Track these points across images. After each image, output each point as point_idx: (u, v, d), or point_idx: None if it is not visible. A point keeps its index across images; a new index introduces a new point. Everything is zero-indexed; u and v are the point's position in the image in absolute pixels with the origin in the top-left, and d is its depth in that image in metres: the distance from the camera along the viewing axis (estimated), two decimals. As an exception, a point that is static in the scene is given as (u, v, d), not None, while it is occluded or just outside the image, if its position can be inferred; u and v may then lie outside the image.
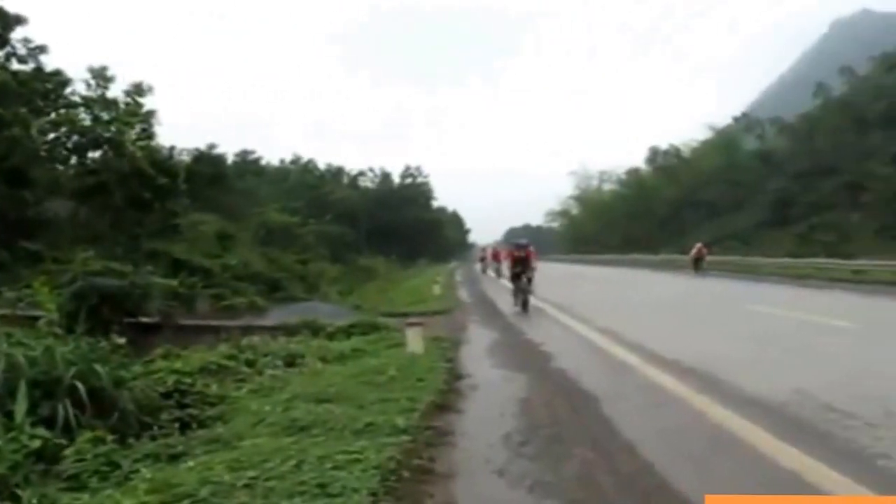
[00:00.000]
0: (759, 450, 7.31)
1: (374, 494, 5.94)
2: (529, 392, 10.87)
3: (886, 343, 14.89)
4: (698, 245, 48.50)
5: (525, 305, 23.41)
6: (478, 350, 15.77)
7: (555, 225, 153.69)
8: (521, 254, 24.25)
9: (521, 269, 23.96)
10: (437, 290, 35.87)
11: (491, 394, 10.83)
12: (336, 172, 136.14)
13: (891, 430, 7.81)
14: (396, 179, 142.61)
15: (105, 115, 44.48)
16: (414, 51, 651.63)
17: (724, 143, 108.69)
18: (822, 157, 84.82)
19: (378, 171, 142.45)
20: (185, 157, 58.36)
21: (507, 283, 27.35)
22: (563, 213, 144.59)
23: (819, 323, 18.25)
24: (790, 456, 7.02)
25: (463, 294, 36.64)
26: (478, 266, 62.93)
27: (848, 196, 74.01)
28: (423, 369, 11.79)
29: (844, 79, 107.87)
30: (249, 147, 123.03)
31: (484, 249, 66.70)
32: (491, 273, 52.55)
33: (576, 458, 7.33)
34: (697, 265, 46.55)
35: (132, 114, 45.26)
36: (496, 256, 51.72)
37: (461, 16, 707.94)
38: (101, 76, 44.73)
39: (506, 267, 34.20)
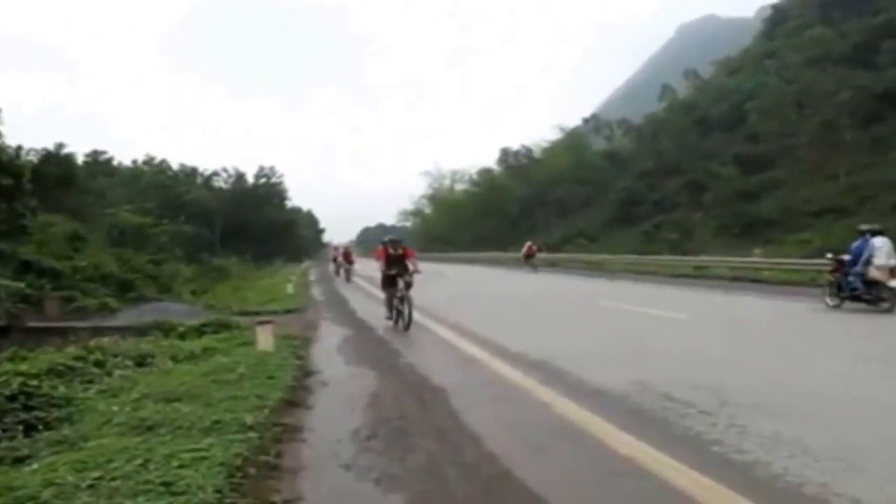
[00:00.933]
0: (599, 439, 7.55)
1: (219, 492, 5.89)
2: (379, 387, 10.97)
3: (720, 335, 15.57)
4: (528, 243, 52.85)
5: (401, 318, 18.58)
6: (329, 347, 15.83)
7: (408, 224, 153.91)
8: (396, 252, 19.75)
9: (396, 272, 19.00)
10: (290, 289, 35.68)
11: (340, 390, 10.91)
12: (190, 173, 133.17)
13: (724, 417, 8.16)
14: (251, 179, 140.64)
15: (-57, 113, 42.62)
16: (266, 53, 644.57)
17: (573, 143, 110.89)
18: (667, 157, 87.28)
19: (232, 171, 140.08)
20: (32, 158, 56.35)
21: (363, 284, 26.70)
22: (417, 213, 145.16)
23: (660, 316, 18.94)
24: (629, 444, 7.27)
25: (316, 293, 36.70)
26: (331, 267, 58.98)
27: (691, 195, 76.17)
28: (273, 367, 11.76)
29: (689, 82, 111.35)
30: (101, 147, 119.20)
31: (336, 249, 61.27)
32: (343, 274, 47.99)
33: (422, 451, 7.46)
34: (528, 261, 50.31)
35: (-28, 111, 43.47)
36: (347, 257, 46.88)
37: (311, 16, 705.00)
38: (-66, 73, 42.94)
39: (370, 269, 31.31)
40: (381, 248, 20.43)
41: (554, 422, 8.48)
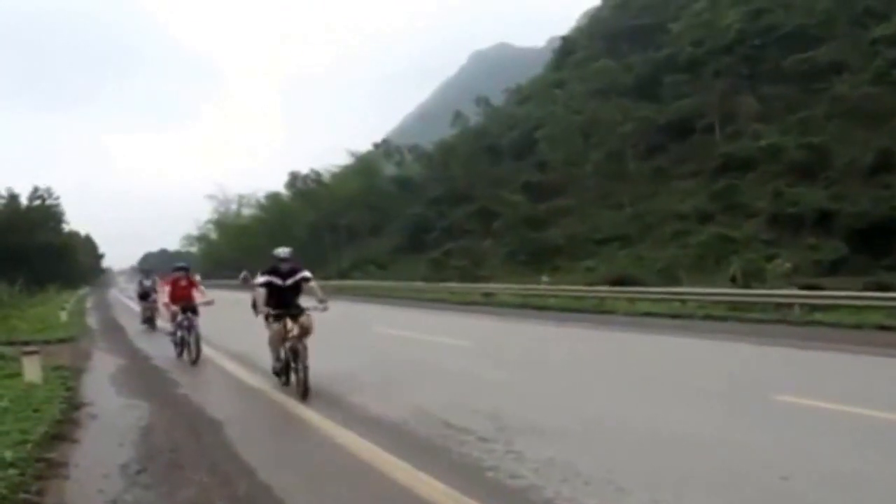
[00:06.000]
0: (377, 468, 7.48)
1: (-29, 534, 5.49)
2: (152, 419, 10.61)
3: (501, 361, 15.76)
4: (245, 272, 58.47)
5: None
6: (101, 378, 15.22)
7: (193, 249, 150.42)
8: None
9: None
10: (64, 317, 34.02)
11: (111, 422, 10.46)
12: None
13: (500, 443, 8.23)
14: (24, 201, 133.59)
15: None
16: (38, 71, 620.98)
17: (363, 168, 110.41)
18: (458, 184, 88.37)
19: (5, 193, 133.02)
20: None
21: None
22: (202, 238, 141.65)
23: (444, 343, 19.07)
24: (407, 473, 7.23)
25: (91, 321, 35.56)
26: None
27: (481, 222, 77.24)
28: (40, 399, 11.17)
29: (480, 109, 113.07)
30: None
31: (149, 276, 30.74)
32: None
33: (193, 484, 7.21)
34: (246, 283, 55.33)
35: None
36: (182, 293, 18.70)
37: (89, 30, 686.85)
38: None
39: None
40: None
41: (331, 452, 8.39)
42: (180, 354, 17.57)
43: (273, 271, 12.71)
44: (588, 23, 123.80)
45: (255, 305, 12.90)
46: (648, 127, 72.00)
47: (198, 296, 18.39)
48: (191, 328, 17.09)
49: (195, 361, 16.36)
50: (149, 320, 27.91)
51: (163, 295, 19.79)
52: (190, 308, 17.63)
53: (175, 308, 17.95)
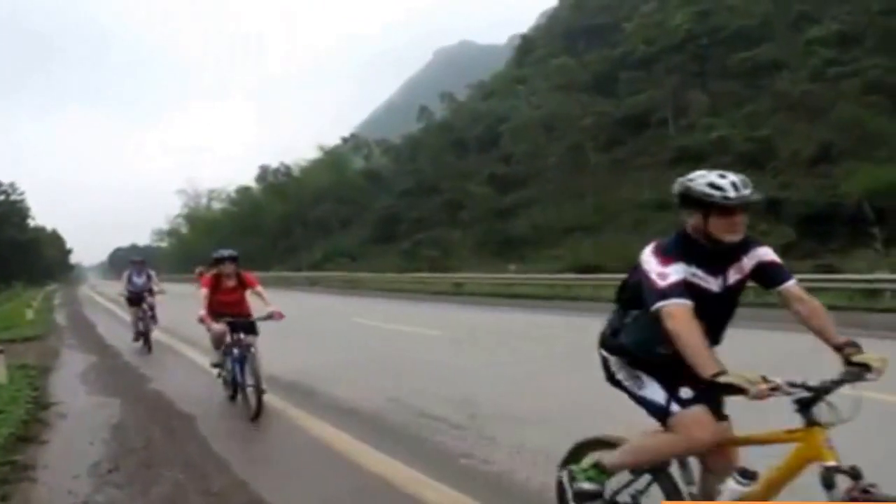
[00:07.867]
0: (352, 459, 7.47)
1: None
2: (123, 417, 10.41)
3: (470, 349, 15.86)
4: (200, 267, 57.54)
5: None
6: (70, 376, 14.93)
7: (163, 244, 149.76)
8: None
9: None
10: (30, 314, 33.54)
11: (81, 422, 10.27)
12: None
13: (473, 430, 8.33)
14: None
15: None
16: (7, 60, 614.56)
17: (333, 162, 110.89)
18: (425, 177, 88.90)
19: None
20: None
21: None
22: (172, 232, 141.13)
23: (415, 333, 19.22)
24: (381, 462, 7.25)
25: (59, 318, 35.14)
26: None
27: (449, 213, 77.53)
28: (5, 400, 10.94)
29: (445, 104, 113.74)
30: None
31: (142, 269, 20.14)
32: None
33: (167, 481, 7.09)
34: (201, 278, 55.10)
35: None
36: (225, 299, 11.07)
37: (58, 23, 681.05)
38: None
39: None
40: None
41: (305, 443, 8.38)
42: (233, 397, 10.98)
43: (694, 250, 4.35)
44: (546, 22, 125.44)
45: (645, 341, 4.52)
46: (607, 121, 73.41)
47: (255, 304, 11.35)
48: (244, 359, 10.37)
49: (255, 416, 9.66)
50: (142, 335, 19.20)
51: (198, 304, 11.00)
52: (243, 325, 10.78)
53: (220, 327, 10.71)
